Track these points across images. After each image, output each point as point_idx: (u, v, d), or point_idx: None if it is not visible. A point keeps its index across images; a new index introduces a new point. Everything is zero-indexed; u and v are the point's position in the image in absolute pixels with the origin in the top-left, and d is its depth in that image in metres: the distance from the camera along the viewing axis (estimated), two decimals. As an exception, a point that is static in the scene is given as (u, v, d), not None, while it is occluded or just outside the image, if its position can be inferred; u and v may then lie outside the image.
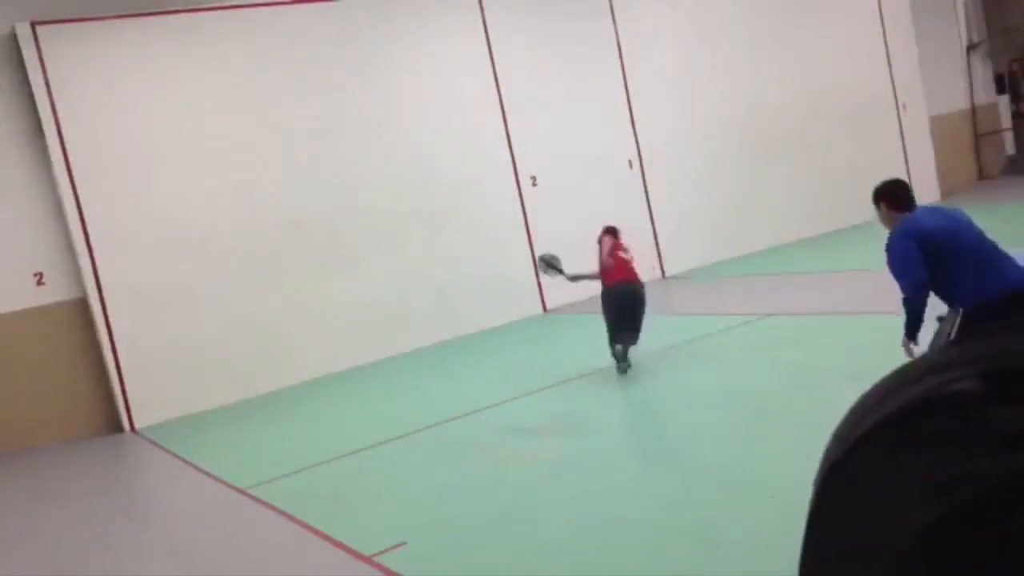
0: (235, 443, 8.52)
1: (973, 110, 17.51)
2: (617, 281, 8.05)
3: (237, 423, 9.22)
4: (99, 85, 9.78)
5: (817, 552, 0.44)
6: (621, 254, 8.16)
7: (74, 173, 9.59)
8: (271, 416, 9.24)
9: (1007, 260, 4.44)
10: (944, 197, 15.82)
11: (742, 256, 13.68)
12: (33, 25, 9.46)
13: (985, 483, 0.37)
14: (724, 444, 5.84)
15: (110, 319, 9.69)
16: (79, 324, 9.76)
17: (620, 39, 13.10)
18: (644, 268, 12.63)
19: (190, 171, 10.14)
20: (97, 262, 9.66)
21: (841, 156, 14.83)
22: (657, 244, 13.24)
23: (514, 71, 12.19)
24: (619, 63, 13.10)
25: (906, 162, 15.66)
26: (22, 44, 9.43)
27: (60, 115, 9.54)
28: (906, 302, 4.70)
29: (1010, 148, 18.14)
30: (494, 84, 12.07)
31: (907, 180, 16.07)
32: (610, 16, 13.06)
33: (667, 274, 13.30)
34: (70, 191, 9.57)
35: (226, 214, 10.31)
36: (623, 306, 7.98)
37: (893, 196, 4.83)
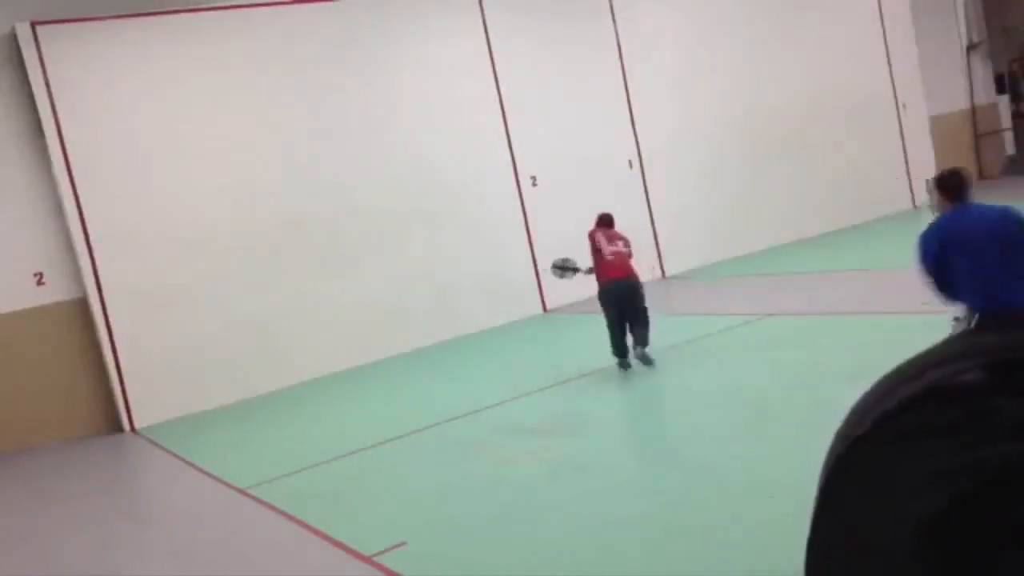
0: (235, 443, 8.51)
1: (973, 110, 17.51)
2: (611, 279, 8.00)
3: (237, 423, 9.22)
4: (99, 85, 9.78)
5: (823, 546, 0.44)
6: (613, 248, 8.05)
7: (74, 173, 9.59)
8: (271, 416, 9.24)
9: (1014, 281, 4.39)
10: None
11: (742, 256, 13.68)
12: (33, 25, 9.46)
13: (988, 473, 0.38)
14: (724, 444, 5.84)
15: (110, 319, 9.69)
16: (79, 324, 9.76)
17: (620, 39, 13.10)
18: (644, 268, 12.71)
19: (190, 171, 10.14)
20: (97, 262, 9.66)
21: (841, 156, 14.83)
22: (657, 244, 13.24)
23: (514, 71, 12.19)
24: (619, 63, 13.09)
25: (906, 162, 15.66)
26: (22, 44, 9.42)
27: (60, 115, 9.54)
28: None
29: (1010, 148, 18.14)
30: (494, 84, 12.06)
31: (907, 180, 16.06)
32: (610, 16, 13.06)
33: (667, 274, 13.30)
34: (70, 191, 9.57)
35: (226, 214, 10.30)
36: (621, 305, 7.94)
37: (946, 186, 4.90)
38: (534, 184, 12.25)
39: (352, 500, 6.16)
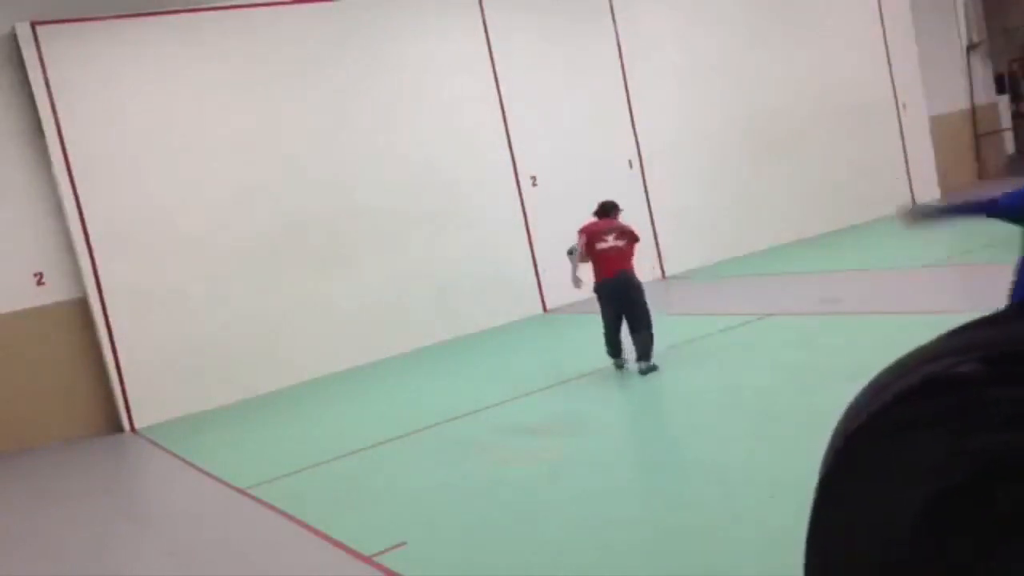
0: (235, 443, 8.52)
1: (973, 110, 17.51)
2: (604, 279, 7.94)
3: (237, 423, 9.23)
4: (99, 85, 9.78)
5: (822, 536, 0.45)
6: (601, 245, 7.89)
7: (74, 173, 9.59)
8: (271, 416, 9.24)
9: None
10: (944, 197, 15.83)
11: (742, 256, 13.68)
12: (33, 25, 9.46)
13: (983, 461, 0.38)
14: (724, 444, 5.84)
15: (110, 319, 9.69)
16: (79, 324, 9.76)
17: (620, 39, 13.10)
18: (644, 268, 12.71)
19: (190, 171, 10.14)
20: (97, 262, 9.66)
21: (841, 156, 14.84)
22: (657, 244, 13.24)
23: (514, 70, 12.19)
24: (619, 63, 13.10)
25: (906, 162, 15.67)
26: (22, 44, 9.43)
27: (60, 115, 9.54)
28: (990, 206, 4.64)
29: (1010, 148, 18.13)
30: (494, 84, 12.07)
31: (907, 180, 16.06)
32: (610, 16, 13.06)
33: (667, 274, 13.30)
34: (70, 191, 9.57)
35: (226, 214, 10.31)
36: (615, 302, 7.89)
37: None
38: (534, 184, 12.25)
39: (352, 500, 6.16)
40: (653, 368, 7.77)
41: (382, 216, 11.17)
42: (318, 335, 10.67)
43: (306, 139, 10.80)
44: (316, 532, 5.49)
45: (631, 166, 13.13)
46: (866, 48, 15.33)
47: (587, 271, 8.10)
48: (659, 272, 13.21)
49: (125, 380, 9.72)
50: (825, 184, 14.64)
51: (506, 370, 9.40)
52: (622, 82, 13.11)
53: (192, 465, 7.76)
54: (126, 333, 9.75)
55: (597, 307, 8.14)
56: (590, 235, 8.00)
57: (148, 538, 6.25)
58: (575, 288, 8.25)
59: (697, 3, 13.90)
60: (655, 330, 7.87)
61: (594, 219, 8.22)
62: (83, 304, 9.75)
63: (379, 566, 4.78)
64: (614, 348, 8.04)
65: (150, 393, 9.77)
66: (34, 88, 9.46)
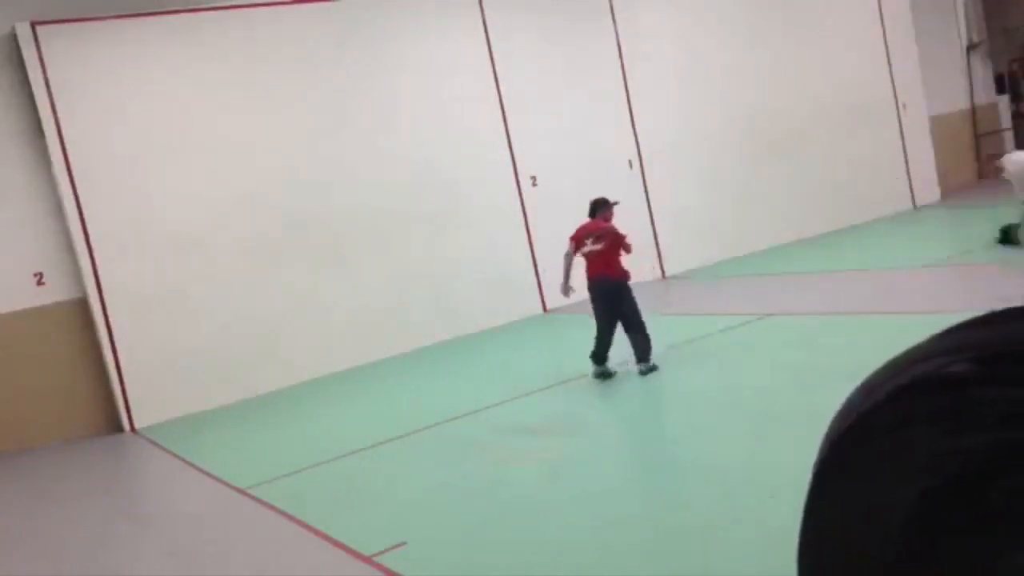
0: (235, 443, 8.51)
1: (973, 110, 17.51)
2: (588, 282, 7.89)
3: (237, 423, 9.22)
4: (99, 85, 9.78)
5: (816, 533, 0.45)
6: (584, 249, 7.84)
7: (74, 173, 9.59)
8: (271, 416, 9.24)
9: None
10: (944, 197, 15.84)
11: (742, 256, 13.68)
12: (33, 25, 9.46)
13: (974, 459, 0.38)
14: (724, 444, 5.84)
15: (110, 319, 9.69)
16: (79, 324, 9.76)
17: (620, 39, 13.10)
18: (644, 268, 12.72)
19: (190, 171, 10.14)
20: (97, 262, 9.66)
21: (841, 156, 14.84)
22: (657, 244, 13.24)
23: (514, 71, 12.19)
24: (619, 63, 13.10)
25: (906, 162, 15.67)
26: (22, 44, 9.43)
27: (60, 115, 9.54)
28: None
29: (1010, 148, 18.11)
30: (494, 84, 12.07)
31: (907, 180, 16.05)
32: (610, 16, 13.06)
33: (667, 274, 13.30)
34: (70, 191, 9.57)
35: (226, 214, 10.31)
36: (600, 309, 7.83)
37: None
38: (534, 184, 12.25)
39: (352, 500, 6.16)
40: (652, 369, 7.75)
41: (382, 216, 11.17)
42: (318, 335, 10.67)
43: (306, 139, 10.80)
44: (316, 532, 5.49)
45: (631, 166, 13.13)
46: (866, 48, 15.33)
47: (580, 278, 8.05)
48: (659, 272, 13.21)
49: (125, 380, 9.72)
50: (825, 184, 14.64)
51: (506, 370, 9.40)
52: (622, 82, 13.11)
53: (192, 465, 7.75)
54: (126, 333, 9.75)
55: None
56: (576, 241, 7.97)
57: (148, 538, 6.24)
58: (564, 296, 8.20)
59: (697, 3, 13.90)
60: (651, 331, 7.82)
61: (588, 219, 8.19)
62: (83, 304, 9.75)
63: (379, 566, 4.78)
64: (595, 355, 7.91)
65: (150, 393, 9.77)
66: (34, 88, 9.46)
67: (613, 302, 7.74)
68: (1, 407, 9.33)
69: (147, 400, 9.77)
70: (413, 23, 11.55)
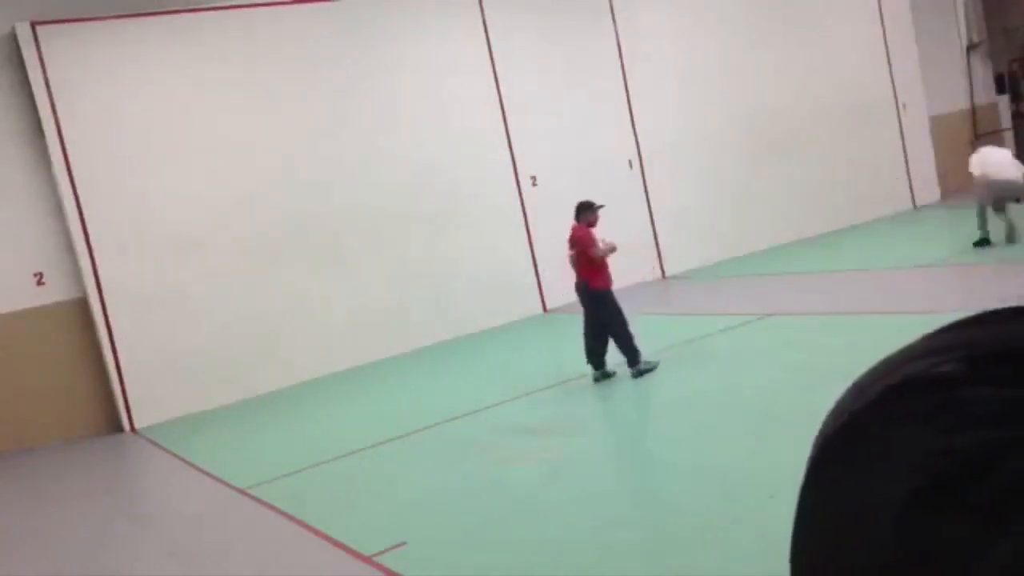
0: (235, 443, 8.51)
1: (973, 110, 17.51)
2: (575, 283, 7.88)
3: (237, 423, 9.22)
4: (99, 85, 9.79)
5: (807, 530, 0.45)
6: (570, 255, 7.81)
7: (74, 173, 9.59)
8: (271, 416, 9.24)
9: None
10: (944, 197, 15.84)
11: (742, 256, 13.68)
12: (33, 25, 9.46)
13: (965, 459, 0.38)
14: (724, 444, 5.84)
15: (110, 319, 9.69)
16: (79, 324, 9.76)
17: (620, 39, 13.10)
18: (644, 268, 12.73)
19: (190, 171, 10.14)
20: (97, 262, 9.66)
21: (841, 156, 14.84)
22: (657, 244, 13.24)
23: (514, 71, 12.19)
24: (619, 63, 13.10)
25: (906, 162, 15.67)
26: (22, 44, 9.43)
27: (60, 115, 9.54)
28: None
29: (1010, 148, 18.11)
30: (494, 84, 12.07)
31: (907, 180, 16.05)
32: (610, 16, 13.06)
33: (667, 274, 13.30)
34: (70, 191, 9.57)
35: (226, 214, 10.31)
36: (584, 311, 7.79)
37: None
38: (534, 184, 12.25)
39: (352, 500, 6.16)
40: (642, 373, 7.64)
41: (382, 216, 11.17)
42: (318, 335, 10.67)
43: (306, 139, 10.80)
44: (316, 532, 5.49)
45: (631, 166, 13.13)
46: (866, 48, 15.33)
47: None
48: (659, 272, 13.21)
49: (125, 380, 9.72)
50: (825, 184, 14.64)
51: (506, 370, 9.40)
52: (622, 82, 13.11)
53: (192, 465, 7.76)
54: (126, 333, 9.75)
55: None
56: (568, 242, 7.95)
57: (148, 538, 6.25)
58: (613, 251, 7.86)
59: (697, 3, 13.90)
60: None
61: None
62: (83, 304, 9.75)
63: (379, 566, 4.78)
64: (587, 356, 7.85)
65: (150, 393, 9.77)
66: (34, 88, 9.46)
67: (591, 308, 7.72)
68: (1, 407, 9.33)
69: (147, 400, 9.77)
70: (413, 23, 11.55)
